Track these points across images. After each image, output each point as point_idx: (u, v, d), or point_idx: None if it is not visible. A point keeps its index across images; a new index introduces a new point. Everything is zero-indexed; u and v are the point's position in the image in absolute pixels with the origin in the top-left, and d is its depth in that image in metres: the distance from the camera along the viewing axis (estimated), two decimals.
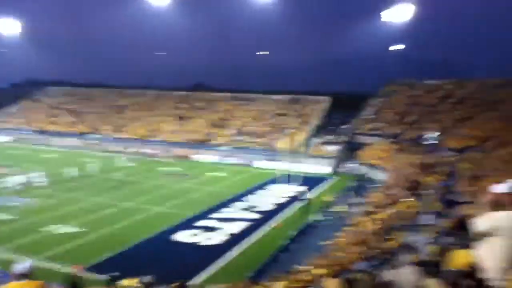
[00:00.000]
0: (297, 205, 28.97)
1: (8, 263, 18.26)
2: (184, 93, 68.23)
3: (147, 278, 8.49)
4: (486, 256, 3.75)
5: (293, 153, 41.67)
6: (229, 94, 64.63)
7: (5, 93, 74.94)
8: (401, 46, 59.86)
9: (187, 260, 19.16)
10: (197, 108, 61.88)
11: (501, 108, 37.84)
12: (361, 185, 34.15)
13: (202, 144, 51.57)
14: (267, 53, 70.19)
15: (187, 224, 24.37)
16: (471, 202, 14.62)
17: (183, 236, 22.46)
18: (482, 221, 3.83)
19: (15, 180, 32.22)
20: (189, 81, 69.56)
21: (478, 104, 42.65)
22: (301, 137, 48.63)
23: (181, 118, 59.38)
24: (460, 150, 31.16)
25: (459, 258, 4.18)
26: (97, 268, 17.78)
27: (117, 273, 15.35)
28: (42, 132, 60.38)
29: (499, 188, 3.89)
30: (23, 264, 7.87)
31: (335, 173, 41.68)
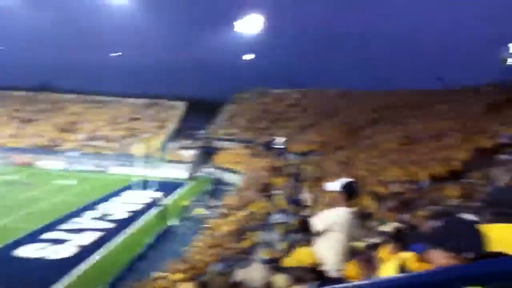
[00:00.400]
0: (154, 211, 28.54)
1: None
2: (27, 93, 61.58)
3: None
4: (324, 250, 4.35)
5: (149, 159, 40.93)
6: (79, 96, 60.50)
7: None
8: (251, 56, 63.12)
9: (32, 277, 17.45)
10: (42, 111, 56.50)
11: (340, 116, 42.73)
12: (217, 188, 35.20)
13: (48, 149, 47.29)
14: (120, 53, 67.26)
15: (32, 238, 22.22)
16: (312, 202, 16.25)
17: (27, 251, 20.43)
18: (319, 219, 4.41)
19: None
20: (32, 80, 62.72)
21: (319, 112, 47.47)
22: (157, 142, 48.03)
23: (23, 121, 53.52)
24: (304, 154, 34.29)
25: (302, 254, 4.72)
26: None
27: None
28: None
29: (332, 186, 4.51)
30: None
31: (191, 177, 42.12)
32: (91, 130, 51.92)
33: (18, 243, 21.36)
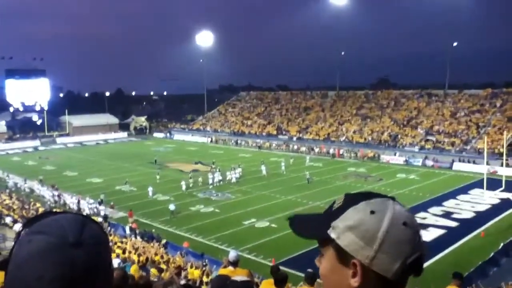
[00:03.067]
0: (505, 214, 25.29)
1: (214, 251, 20.53)
2: (367, 91, 66.74)
3: None
4: None
5: (495, 155, 36.65)
6: (417, 91, 60.64)
7: (202, 99, 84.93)
8: None
9: None
10: (382, 107, 59.77)
11: None
12: None
13: (389, 144, 49.53)
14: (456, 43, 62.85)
15: None
16: None
17: None
18: None
19: (216, 177, 35.92)
20: (371, 79, 67.68)
21: None
22: (506, 136, 42.50)
23: (365, 117, 58.18)
24: None
25: None
26: (290, 263, 18.35)
27: (310, 270, 15.57)
28: (237, 133, 66.42)
29: None
30: (234, 253, 8.43)
31: None
32: (430, 124, 51.07)
33: None
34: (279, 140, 59.33)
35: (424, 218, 24.95)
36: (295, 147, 54.99)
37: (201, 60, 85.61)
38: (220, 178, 35.78)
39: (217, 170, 38.09)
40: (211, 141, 65.93)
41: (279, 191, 32.76)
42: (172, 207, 27.01)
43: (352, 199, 1.00)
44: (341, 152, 49.43)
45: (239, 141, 62.54)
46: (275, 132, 62.94)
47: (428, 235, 22.17)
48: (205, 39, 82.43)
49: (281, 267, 9.62)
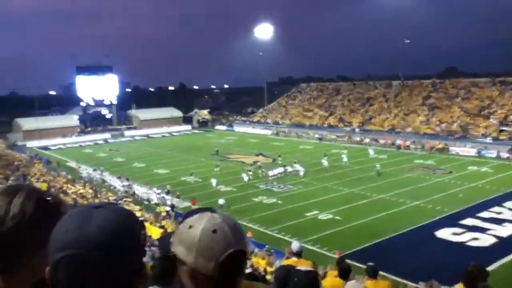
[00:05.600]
0: None
1: (276, 241, 20.59)
2: (434, 80, 63.61)
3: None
4: None
5: None
6: (489, 79, 56.93)
7: (262, 91, 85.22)
8: None
9: (452, 259, 17.38)
10: (450, 96, 56.78)
11: None
12: None
13: (459, 135, 47.01)
14: None
15: (450, 221, 22.40)
16: None
17: (445, 233, 20.77)
18: None
19: (278, 169, 35.93)
20: (438, 68, 64.40)
21: None
22: None
23: (432, 107, 55.59)
24: None
25: None
26: (353, 256, 17.98)
27: (371, 264, 15.17)
28: (297, 125, 66.07)
29: None
30: (297, 243, 8.35)
31: None
32: (505, 114, 47.82)
33: (438, 224, 22.03)
34: (341, 131, 58.26)
35: (499, 213, 23.47)
36: (358, 138, 53.77)
37: (260, 53, 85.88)
38: (283, 170, 35.73)
39: (281, 161, 38.06)
40: (272, 133, 66.07)
41: (342, 183, 32.17)
42: (221, 201, 27.00)
43: (183, 218, 1.33)
44: (407, 144, 47.63)
45: (299, 133, 62.18)
46: (336, 124, 61.92)
47: (504, 231, 20.89)
48: (264, 31, 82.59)
49: (346, 260, 9.46)
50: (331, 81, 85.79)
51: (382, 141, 50.68)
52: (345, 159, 39.51)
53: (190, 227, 1.24)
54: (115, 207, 1.04)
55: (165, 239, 1.43)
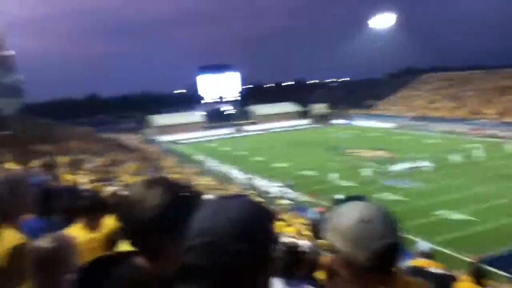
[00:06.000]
0: None
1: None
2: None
3: None
4: None
5: None
6: None
7: (382, 83, 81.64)
8: None
9: None
10: None
11: None
12: None
13: None
14: None
15: None
16: None
17: None
18: None
19: (401, 164, 34.16)
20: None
21: None
22: None
23: None
24: None
25: None
26: (491, 262, 16.27)
27: None
28: (422, 118, 62.07)
29: None
30: (426, 244, 7.77)
31: None
32: None
33: None
34: (473, 124, 53.21)
35: None
36: (492, 132, 48.61)
37: (380, 43, 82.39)
38: (408, 165, 33.86)
39: (404, 156, 36.13)
40: (394, 126, 63.01)
41: (475, 180, 29.38)
42: (339, 197, 26.25)
43: (335, 205, 1.30)
44: None
45: (424, 126, 58.30)
46: (467, 116, 56.73)
47: None
48: (384, 20, 79.07)
49: (482, 265, 8.53)
50: (459, 70, 78.95)
51: None
52: (478, 154, 36.02)
53: (343, 214, 1.23)
54: (246, 199, 1.10)
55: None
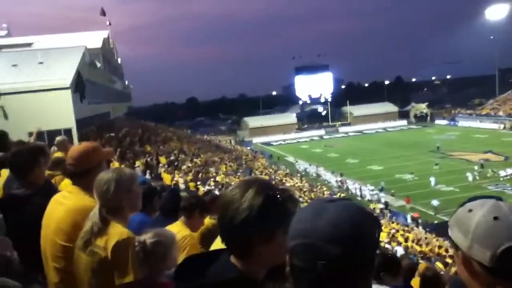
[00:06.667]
0: None
1: None
2: None
3: None
4: None
5: None
6: None
7: (493, 80, 74.84)
8: None
9: None
10: None
11: None
12: None
13: None
14: None
15: None
16: None
17: None
18: None
19: (511, 168, 30.93)
20: None
21: None
22: None
23: None
24: None
25: None
26: None
27: None
28: None
29: None
30: None
31: None
32: None
33: None
34: None
35: None
36: None
37: (491, 37, 75.50)
38: None
39: None
40: (504, 127, 57.24)
41: None
42: (435, 202, 24.45)
43: (464, 202, 1.20)
44: None
45: None
46: None
47: None
48: (496, 12, 72.29)
49: None
50: None
51: None
52: None
53: (470, 210, 1.13)
54: (346, 203, 1.07)
55: None
